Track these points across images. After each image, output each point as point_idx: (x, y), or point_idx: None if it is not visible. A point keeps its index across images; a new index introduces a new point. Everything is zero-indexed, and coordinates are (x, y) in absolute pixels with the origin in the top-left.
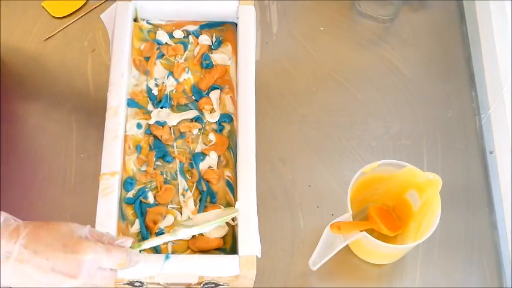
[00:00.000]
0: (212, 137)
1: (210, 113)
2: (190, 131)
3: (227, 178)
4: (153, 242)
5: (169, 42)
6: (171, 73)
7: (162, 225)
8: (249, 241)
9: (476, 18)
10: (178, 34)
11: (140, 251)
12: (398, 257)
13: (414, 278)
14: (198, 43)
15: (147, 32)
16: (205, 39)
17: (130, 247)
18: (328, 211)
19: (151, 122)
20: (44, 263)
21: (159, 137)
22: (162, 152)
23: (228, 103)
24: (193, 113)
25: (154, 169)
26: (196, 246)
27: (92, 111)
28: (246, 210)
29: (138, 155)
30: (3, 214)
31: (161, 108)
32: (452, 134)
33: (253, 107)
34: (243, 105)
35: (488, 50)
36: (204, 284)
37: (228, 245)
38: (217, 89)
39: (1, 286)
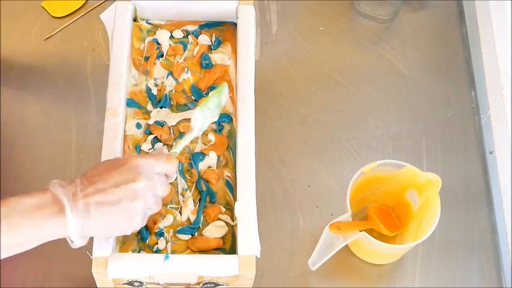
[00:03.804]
0: (212, 137)
1: None
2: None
3: (227, 178)
4: (182, 143)
5: (169, 42)
6: (171, 73)
7: (161, 225)
8: (249, 241)
9: (476, 18)
10: (178, 34)
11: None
12: (398, 257)
13: (414, 278)
14: (197, 43)
15: (147, 32)
16: (204, 39)
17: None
18: (327, 211)
19: (151, 121)
20: (106, 184)
21: (159, 137)
22: None
23: (228, 103)
24: (192, 113)
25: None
26: (196, 246)
27: (91, 111)
28: (246, 210)
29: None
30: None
31: (161, 108)
32: (452, 134)
33: (252, 107)
34: (243, 105)
35: (488, 50)
36: (203, 284)
37: (228, 245)
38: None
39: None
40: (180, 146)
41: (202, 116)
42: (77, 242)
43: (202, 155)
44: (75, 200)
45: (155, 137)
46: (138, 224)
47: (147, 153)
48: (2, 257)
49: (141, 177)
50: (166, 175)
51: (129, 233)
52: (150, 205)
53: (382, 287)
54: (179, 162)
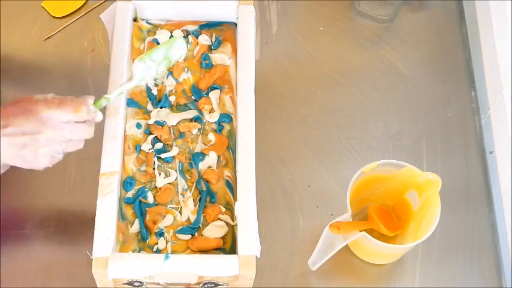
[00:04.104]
0: (212, 137)
1: (210, 113)
2: (189, 131)
3: (227, 178)
4: (118, 89)
5: None
6: (171, 73)
7: (161, 225)
8: (249, 241)
9: (476, 18)
10: (178, 34)
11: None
12: (398, 257)
13: (414, 278)
14: (197, 43)
15: (147, 32)
16: (204, 39)
17: (94, 104)
18: (327, 211)
19: (151, 121)
20: (16, 129)
21: (159, 137)
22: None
23: (228, 103)
24: (192, 113)
25: (153, 169)
26: (196, 246)
27: None
28: (246, 210)
29: (138, 154)
30: None
31: (161, 108)
32: (452, 134)
33: (252, 107)
34: (243, 105)
35: (488, 50)
36: (203, 284)
37: (228, 244)
38: (217, 89)
39: None
40: (115, 93)
41: (144, 67)
42: None
43: (202, 155)
44: None
45: (155, 137)
46: (44, 165)
47: (64, 100)
48: None
49: (46, 129)
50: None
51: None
52: (58, 149)
53: (382, 287)
54: (179, 162)
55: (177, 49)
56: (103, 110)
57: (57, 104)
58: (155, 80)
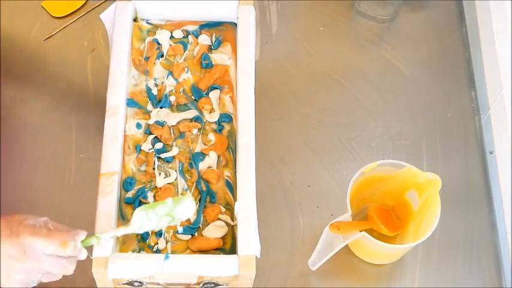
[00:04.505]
0: (212, 137)
1: (210, 112)
2: (189, 131)
3: (227, 178)
4: (112, 232)
5: (169, 42)
6: (171, 73)
7: None
8: (249, 241)
9: (476, 18)
10: (178, 34)
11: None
12: (398, 257)
13: (414, 278)
14: (197, 43)
15: (147, 32)
16: (204, 39)
17: (83, 241)
18: (327, 211)
19: (151, 121)
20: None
21: (159, 137)
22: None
23: (228, 103)
24: (192, 113)
25: (153, 169)
26: (196, 246)
27: (91, 111)
28: (246, 210)
29: (138, 154)
30: None
31: (161, 108)
32: (452, 134)
33: (252, 107)
34: (243, 105)
35: (488, 50)
36: (203, 284)
37: (228, 245)
38: (217, 89)
39: None
40: (108, 235)
41: (145, 218)
42: None
43: (202, 155)
44: None
45: (155, 137)
46: (9, 287)
47: (50, 230)
48: None
49: (26, 259)
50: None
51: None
52: (34, 279)
53: (382, 287)
54: (179, 162)
55: (185, 209)
56: (103, 111)
57: (44, 234)
58: (155, 80)
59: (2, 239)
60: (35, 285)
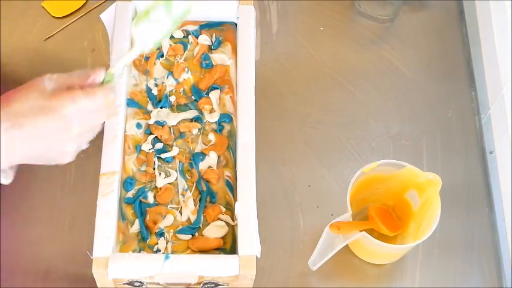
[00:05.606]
0: (212, 137)
1: (210, 113)
2: (190, 131)
3: (227, 178)
4: (122, 60)
5: (169, 42)
6: (171, 73)
7: (162, 225)
8: (249, 241)
9: (476, 18)
10: (178, 34)
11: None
12: (398, 257)
13: (414, 278)
14: (197, 43)
15: None
16: (205, 39)
17: (104, 80)
18: (328, 211)
19: (151, 121)
20: (36, 131)
21: (159, 137)
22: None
23: (228, 103)
24: (193, 113)
25: (153, 169)
26: (196, 246)
27: None
28: (246, 210)
29: (138, 154)
30: None
31: (161, 108)
32: (452, 134)
33: (253, 107)
34: (243, 105)
35: (488, 50)
36: (203, 284)
37: (228, 245)
38: (217, 89)
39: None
40: (120, 64)
41: (144, 30)
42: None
43: (202, 155)
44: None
45: (155, 137)
46: (69, 160)
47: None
48: None
49: (75, 129)
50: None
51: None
52: (85, 140)
53: (382, 287)
54: (179, 162)
55: (181, 2)
56: None
57: (83, 96)
58: (155, 80)
59: (38, 119)
60: (86, 146)
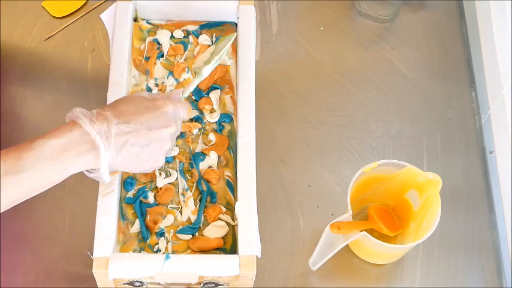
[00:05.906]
0: (212, 137)
1: (210, 113)
2: (190, 131)
3: (227, 178)
4: (191, 87)
5: (170, 42)
6: (171, 73)
7: (162, 225)
8: (249, 241)
9: (476, 18)
10: (178, 34)
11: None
12: (398, 257)
13: (414, 278)
14: (198, 43)
15: (147, 32)
16: (205, 39)
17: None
18: (328, 211)
19: None
20: (140, 126)
21: None
22: None
23: (228, 103)
24: (193, 113)
25: None
26: (196, 246)
27: None
28: (246, 210)
29: None
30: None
31: None
32: (452, 134)
33: (253, 107)
34: (243, 105)
35: (488, 50)
36: (204, 284)
37: (228, 245)
38: (217, 89)
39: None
40: (187, 90)
41: (211, 67)
42: (106, 179)
43: (202, 155)
44: (108, 138)
45: None
46: (160, 165)
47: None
48: (26, 198)
49: (173, 124)
50: None
51: (149, 172)
52: (172, 146)
53: (382, 287)
54: (180, 162)
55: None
56: None
57: (176, 101)
58: (156, 79)
59: (144, 116)
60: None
